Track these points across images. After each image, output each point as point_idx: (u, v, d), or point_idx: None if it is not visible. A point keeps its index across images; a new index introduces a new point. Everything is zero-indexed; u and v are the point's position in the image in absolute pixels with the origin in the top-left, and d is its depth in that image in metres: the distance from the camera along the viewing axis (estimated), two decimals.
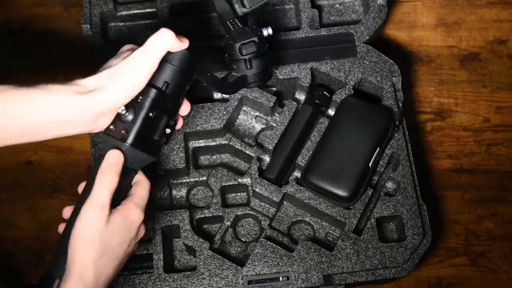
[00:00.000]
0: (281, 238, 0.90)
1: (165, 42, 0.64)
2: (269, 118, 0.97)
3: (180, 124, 0.72)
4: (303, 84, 0.95)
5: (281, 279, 0.85)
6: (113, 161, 0.65)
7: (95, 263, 0.62)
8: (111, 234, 0.63)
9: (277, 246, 0.86)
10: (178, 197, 0.95)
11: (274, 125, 0.95)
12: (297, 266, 0.85)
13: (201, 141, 0.96)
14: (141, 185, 0.69)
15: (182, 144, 0.92)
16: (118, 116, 0.64)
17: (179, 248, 0.93)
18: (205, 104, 0.94)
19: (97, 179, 0.64)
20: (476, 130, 1.07)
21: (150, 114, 0.65)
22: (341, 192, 0.85)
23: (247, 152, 0.94)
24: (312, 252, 0.86)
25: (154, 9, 1.03)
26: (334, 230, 0.91)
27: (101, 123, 0.65)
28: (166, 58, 0.65)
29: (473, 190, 1.04)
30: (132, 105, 0.64)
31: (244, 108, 0.97)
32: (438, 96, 1.09)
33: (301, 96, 0.97)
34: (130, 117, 0.64)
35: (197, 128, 0.93)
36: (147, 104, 0.64)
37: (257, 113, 0.97)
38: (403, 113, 0.94)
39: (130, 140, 0.64)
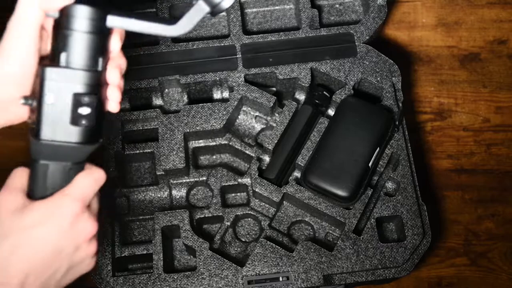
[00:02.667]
0: (281, 238, 0.90)
1: (30, 3, 0.51)
2: (269, 118, 0.97)
3: (115, 97, 0.57)
4: (303, 84, 0.95)
5: (281, 279, 0.85)
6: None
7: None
8: (30, 224, 0.52)
9: (277, 246, 0.86)
10: (178, 197, 0.95)
11: (274, 125, 0.95)
12: (297, 266, 0.85)
13: (201, 141, 0.96)
14: (83, 173, 0.57)
15: (182, 144, 0.92)
16: (27, 105, 0.54)
17: (179, 248, 0.93)
18: (205, 104, 0.94)
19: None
20: (476, 130, 1.07)
21: (50, 99, 0.53)
22: (341, 192, 0.85)
23: (247, 152, 0.94)
24: (312, 252, 0.86)
25: (154, 9, 1.03)
26: (334, 230, 0.91)
27: (13, 114, 0.56)
28: (57, 23, 0.53)
29: (473, 190, 1.04)
30: (34, 91, 0.54)
31: (244, 108, 0.97)
32: (438, 96, 1.09)
33: (301, 96, 0.97)
34: (35, 105, 0.54)
35: (197, 128, 0.93)
36: (42, 88, 0.53)
37: (257, 113, 0.97)
38: (403, 113, 0.94)
39: (40, 135, 0.54)
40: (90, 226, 0.55)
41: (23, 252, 0.52)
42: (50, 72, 0.52)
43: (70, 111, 0.54)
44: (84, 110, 0.54)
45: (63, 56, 0.53)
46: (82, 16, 0.52)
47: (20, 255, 0.52)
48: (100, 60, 0.54)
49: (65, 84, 0.53)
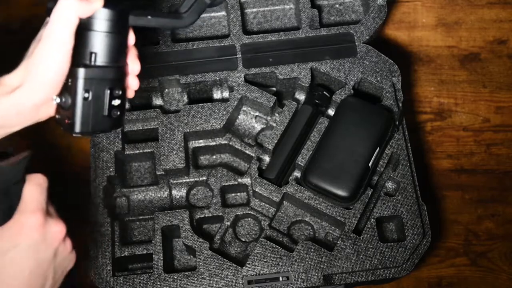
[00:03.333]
0: (281, 238, 0.90)
1: (68, 11, 0.55)
2: (269, 118, 0.97)
3: (134, 85, 0.63)
4: (303, 84, 0.95)
5: (281, 279, 0.85)
6: None
7: None
8: (2, 251, 0.53)
9: (277, 246, 0.86)
10: (178, 197, 0.95)
11: (274, 125, 0.95)
12: (297, 266, 0.85)
13: (201, 141, 0.95)
14: (27, 185, 0.57)
15: (182, 144, 0.92)
16: (59, 103, 0.59)
17: (179, 248, 0.93)
18: (205, 104, 0.94)
19: None
20: (476, 130, 1.07)
21: (86, 95, 0.58)
22: (341, 192, 0.85)
23: (247, 152, 0.94)
24: (312, 252, 0.86)
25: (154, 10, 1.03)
26: (334, 230, 0.91)
27: (44, 113, 0.59)
28: (85, 26, 0.57)
29: (473, 190, 1.04)
30: (66, 89, 0.58)
31: (244, 108, 0.97)
32: (438, 96, 1.09)
33: (301, 96, 0.97)
34: (68, 102, 0.58)
35: (197, 128, 0.93)
36: (77, 87, 0.57)
37: (257, 113, 0.97)
38: (403, 113, 0.94)
39: (76, 129, 0.59)
40: (58, 228, 0.56)
41: (6, 279, 0.52)
42: (86, 72, 0.57)
43: (106, 104, 0.59)
44: (116, 102, 0.60)
45: (94, 56, 0.58)
46: (111, 19, 0.57)
47: (4, 283, 0.52)
48: (124, 55, 0.61)
49: (99, 81, 0.58)
